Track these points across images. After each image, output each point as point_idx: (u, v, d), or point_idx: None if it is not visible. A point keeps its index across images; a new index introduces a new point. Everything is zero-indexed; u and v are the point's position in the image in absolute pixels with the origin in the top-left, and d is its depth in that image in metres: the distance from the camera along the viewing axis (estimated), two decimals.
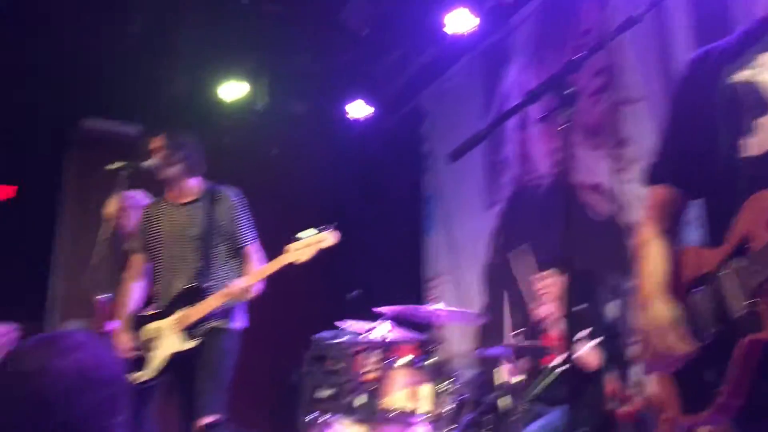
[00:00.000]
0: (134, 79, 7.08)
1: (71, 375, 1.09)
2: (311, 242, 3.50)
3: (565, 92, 1.54)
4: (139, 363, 3.52)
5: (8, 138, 7.08)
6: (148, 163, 3.63)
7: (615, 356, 4.28)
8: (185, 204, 3.70)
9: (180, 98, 7.38)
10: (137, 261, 3.79)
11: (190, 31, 6.55)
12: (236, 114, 7.60)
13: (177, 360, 3.55)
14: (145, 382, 3.49)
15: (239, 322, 3.68)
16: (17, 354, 1.14)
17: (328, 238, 3.47)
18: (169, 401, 3.68)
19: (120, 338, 3.59)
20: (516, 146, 5.69)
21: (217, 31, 6.62)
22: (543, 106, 1.68)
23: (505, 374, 3.84)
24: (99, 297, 3.93)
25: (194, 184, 3.73)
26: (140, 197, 4.17)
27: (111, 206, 4.12)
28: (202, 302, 3.52)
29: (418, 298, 6.61)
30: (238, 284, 3.49)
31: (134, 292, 3.75)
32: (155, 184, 3.83)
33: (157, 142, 3.69)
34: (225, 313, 3.58)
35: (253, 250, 3.70)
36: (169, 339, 3.56)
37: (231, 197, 3.73)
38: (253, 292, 3.56)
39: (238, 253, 3.69)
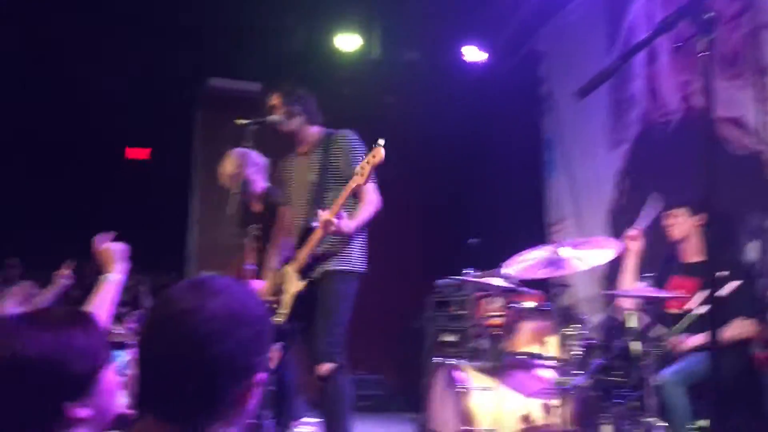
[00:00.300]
0: (253, 38, 7.27)
1: (221, 315, 1.16)
2: (367, 161, 3.44)
3: (704, 17, 1.44)
4: (276, 307, 3.71)
5: (140, 102, 7.52)
6: (271, 118, 3.77)
7: (756, 299, 4.06)
8: (307, 153, 3.84)
9: (297, 53, 7.52)
10: (282, 213, 4.00)
11: None
12: (352, 65, 7.66)
13: (300, 303, 3.71)
14: (281, 325, 3.66)
15: (355, 265, 3.72)
16: (170, 296, 1.21)
17: (377, 153, 3.40)
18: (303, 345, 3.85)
19: (259, 282, 3.81)
20: (644, 82, 5.38)
21: None
22: (677, 35, 1.56)
23: (636, 318, 3.73)
24: (246, 266, 4.11)
25: (314, 133, 3.85)
26: (254, 155, 4.31)
27: (227, 165, 4.31)
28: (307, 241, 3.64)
29: (541, 243, 6.50)
30: (321, 217, 3.50)
31: (281, 241, 3.98)
32: (280, 139, 3.97)
33: (275, 99, 3.82)
34: (339, 255, 3.67)
35: (366, 190, 3.65)
36: (291, 281, 3.74)
37: (345, 138, 3.77)
38: (340, 227, 3.50)
39: (355, 195, 3.66)
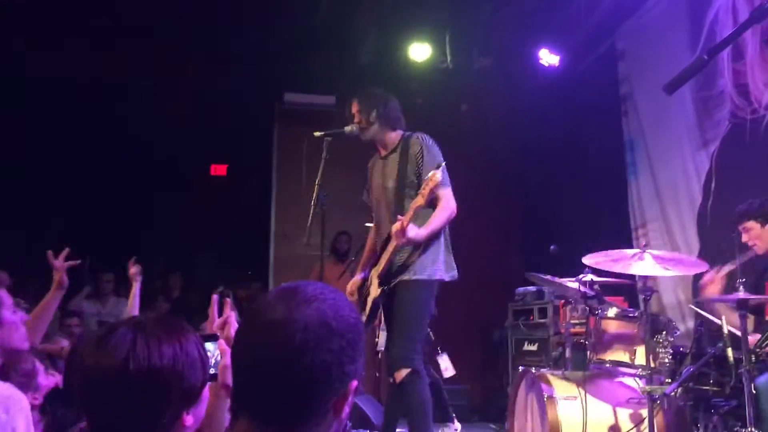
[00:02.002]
0: (326, 52, 7.40)
1: (314, 323, 1.16)
2: (426, 184, 3.40)
3: None
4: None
5: (222, 119, 7.77)
6: (348, 128, 3.81)
7: None
8: (386, 157, 3.84)
9: (370, 65, 7.60)
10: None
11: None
12: (425, 74, 7.68)
13: (379, 308, 3.72)
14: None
15: (431, 274, 3.65)
16: (262, 305, 1.23)
17: (433, 178, 3.36)
18: None
19: (357, 285, 3.86)
20: (731, 79, 5.16)
21: None
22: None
23: (731, 324, 3.56)
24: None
25: (394, 137, 3.84)
26: None
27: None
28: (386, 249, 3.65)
29: (627, 247, 6.31)
30: (393, 227, 3.48)
31: (371, 244, 4.06)
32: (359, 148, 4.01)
33: (353, 107, 3.84)
34: (415, 264, 3.64)
35: (441, 196, 3.59)
36: (373, 285, 3.76)
37: (419, 142, 3.71)
38: (409, 237, 3.46)
39: (432, 200, 3.60)
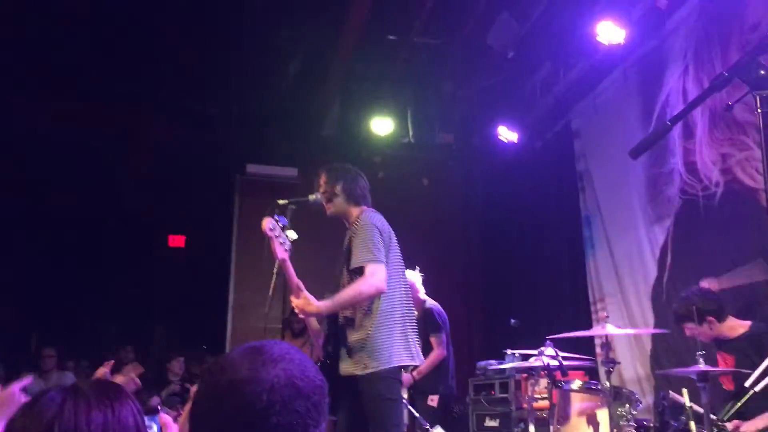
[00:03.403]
0: (289, 124, 7.49)
1: (281, 384, 1.13)
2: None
3: (759, 74, 1.43)
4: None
5: (181, 189, 7.71)
6: (312, 197, 3.78)
7: None
8: (347, 230, 3.80)
9: (332, 138, 7.71)
10: None
11: (339, 70, 6.83)
12: (386, 148, 7.80)
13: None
14: None
15: (381, 363, 3.45)
16: (225, 363, 1.18)
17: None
18: None
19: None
20: (681, 156, 5.37)
21: (364, 69, 6.87)
22: (719, 103, 1.55)
23: (693, 397, 3.58)
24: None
25: (355, 213, 3.74)
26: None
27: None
28: None
29: (584, 321, 6.36)
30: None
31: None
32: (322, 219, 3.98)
33: (321, 178, 3.84)
34: (362, 353, 3.48)
35: (366, 271, 3.43)
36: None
37: (359, 221, 3.61)
38: (312, 311, 3.41)
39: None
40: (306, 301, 3.43)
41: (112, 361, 3.72)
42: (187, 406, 4.22)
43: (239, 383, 1.13)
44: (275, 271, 3.79)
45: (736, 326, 3.97)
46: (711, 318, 3.94)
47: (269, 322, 4.77)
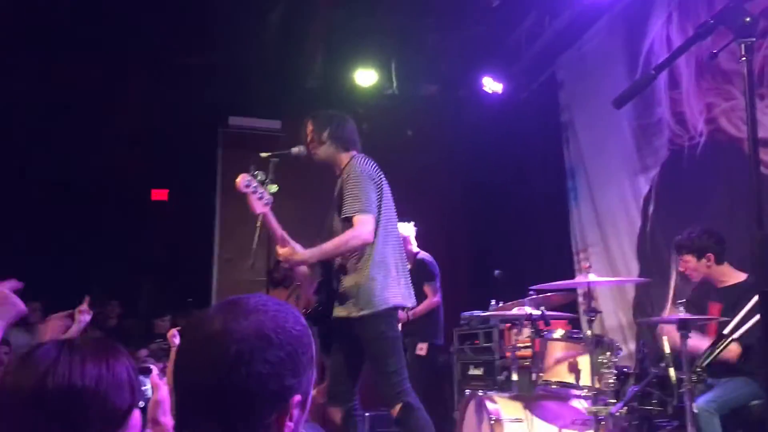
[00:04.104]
0: (272, 76, 7.37)
1: (251, 335, 1.13)
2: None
3: (743, 21, 1.41)
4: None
5: (164, 142, 7.61)
6: (296, 149, 3.74)
7: None
8: (337, 179, 3.75)
9: (316, 90, 7.61)
10: None
11: (322, 20, 6.70)
12: (371, 100, 7.73)
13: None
14: None
15: (377, 304, 3.52)
16: (202, 318, 1.19)
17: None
18: None
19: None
20: (667, 107, 5.36)
21: (348, 18, 6.74)
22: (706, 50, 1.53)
23: (672, 344, 3.65)
24: None
25: (344, 159, 3.71)
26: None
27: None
28: None
29: (568, 271, 6.44)
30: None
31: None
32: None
33: (308, 126, 3.80)
34: (357, 295, 3.53)
35: (354, 222, 3.45)
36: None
37: (350, 168, 3.60)
38: (298, 259, 3.45)
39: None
40: (291, 250, 3.46)
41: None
42: (172, 357, 4.25)
43: (212, 336, 1.14)
44: (258, 224, 3.78)
45: (731, 274, 4.03)
46: (710, 255, 4.00)
47: (255, 275, 4.78)
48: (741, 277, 4.00)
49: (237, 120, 7.91)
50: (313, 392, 1.23)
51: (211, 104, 7.53)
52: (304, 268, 3.68)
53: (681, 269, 4.13)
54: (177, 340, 4.25)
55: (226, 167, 7.94)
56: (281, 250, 3.47)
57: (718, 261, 4.03)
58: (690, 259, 4.06)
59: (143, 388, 1.56)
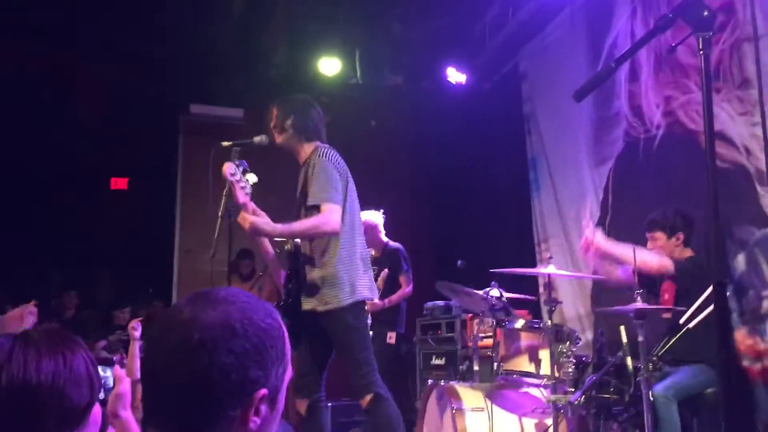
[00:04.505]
0: (234, 64, 7.28)
1: (216, 324, 1.12)
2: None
3: (702, 15, 1.43)
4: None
5: (124, 129, 7.47)
6: (258, 138, 3.70)
7: (745, 311, 4.06)
8: (301, 167, 3.73)
9: (279, 79, 7.54)
10: None
11: (286, 8, 6.63)
12: (335, 89, 7.68)
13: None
14: None
15: (343, 299, 3.55)
16: (172, 309, 1.18)
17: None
18: None
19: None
20: (625, 99, 5.43)
21: (312, 7, 6.68)
22: (664, 44, 1.55)
23: (629, 333, 3.71)
24: None
25: (307, 149, 3.69)
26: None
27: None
28: None
29: (529, 262, 6.51)
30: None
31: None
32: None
33: (272, 112, 3.76)
34: (324, 291, 3.55)
35: (322, 210, 3.45)
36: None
37: (315, 157, 3.58)
38: (259, 226, 3.40)
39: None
40: (263, 220, 3.43)
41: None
42: (131, 350, 4.19)
43: (178, 325, 1.13)
44: (221, 213, 3.74)
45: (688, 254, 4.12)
46: (680, 235, 4.05)
47: (216, 266, 4.69)
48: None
49: (198, 108, 7.79)
50: None
51: (172, 92, 7.41)
52: (272, 252, 3.66)
53: (649, 247, 4.15)
54: (138, 333, 4.20)
55: (187, 156, 7.83)
56: (251, 217, 3.41)
57: (686, 243, 4.08)
58: (660, 236, 4.09)
59: (104, 378, 1.53)
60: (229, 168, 3.38)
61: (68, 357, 1.30)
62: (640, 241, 4.11)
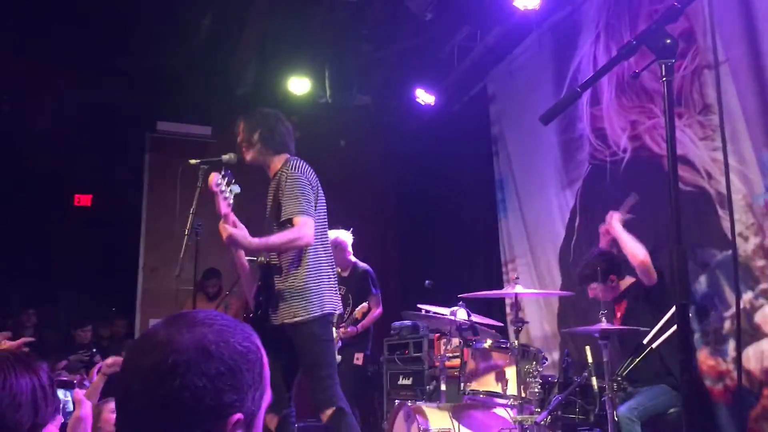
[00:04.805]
0: (202, 82, 7.24)
1: (191, 346, 1.10)
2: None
3: (665, 43, 1.47)
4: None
5: (88, 145, 7.35)
6: (226, 157, 3.68)
7: (707, 332, 4.14)
8: (271, 181, 3.71)
9: (248, 97, 7.51)
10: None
11: (255, 26, 6.64)
12: (304, 108, 7.69)
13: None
14: None
15: (311, 311, 3.55)
16: (148, 332, 1.16)
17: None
18: None
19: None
20: (589, 122, 5.53)
21: (281, 26, 6.69)
22: (627, 70, 1.59)
23: (595, 353, 3.75)
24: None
25: (276, 162, 3.68)
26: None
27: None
28: None
29: (496, 282, 6.55)
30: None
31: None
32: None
33: (240, 126, 3.74)
34: (292, 303, 3.54)
35: (295, 223, 3.45)
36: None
37: (287, 170, 3.57)
38: (236, 237, 3.36)
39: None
40: (242, 233, 3.41)
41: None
42: (94, 375, 4.07)
43: (152, 348, 1.10)
44: (187, 232, 3.71)
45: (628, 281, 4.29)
46: (612, 276, 4.24)
47: (181, 284, 4.65)
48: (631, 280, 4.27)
49: (166, 125, 7.73)
50: None
51: (138, 108, 7.34)
52: (248, 266, 3.64)
53: (591, 296, 4.33)
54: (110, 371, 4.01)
55: (153, 173, 7.75)
56: (230, 229, 3.38)
57: (620, 278, 4.29)
58: (596, 286, 4.27)
59: (64, 402, 1.49)
60: (215, 178, 3.37)
61: (8, 378, 1.27)
62: None
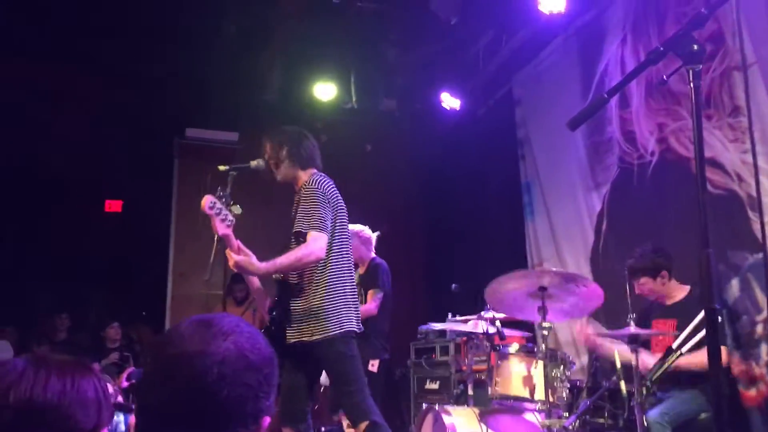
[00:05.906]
0: (230, 88, 7.32)
1: (232, 356, 1.12)
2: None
3: (692, 49, 1.47)
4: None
5: (119, 152, 7.47)
6: (255, 163, 3.71)
7: (739, 336, 4.09)
8: (295, 195, 3.72)
9: (274, 103, 7.58)
10: None
11: (281, 33, 6.70)
12: (329, 114, 7.73)
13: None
14: None
15: (332, 330, 3.51)
16: (176, 336, 1.16)
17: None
18: None
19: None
20: (619, 125, 5.50)
21: (307, 32, 6.75)
22: (656, 74, 1.59)
23: (624, 358, 3.72)
24: None
25: (303, 177, 3.68)
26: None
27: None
28: None
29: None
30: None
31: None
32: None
33: (266, 144, 3.77)
34: (313, 322, 3.51)
35: (307, 238, 3.44)
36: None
37: (306, 186, 3.57)
38: (244, 265, 3.37)
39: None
40: (247, 259, 3.41)
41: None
42: (123, 381, 4.13)
43: (190, 356, 1.11)
44: (216, 237, 3.74)
45: (678, 288, 4.15)
46: (665, 273, 4.10)
47: (210, 289, 4.71)
48: (686, 289, 4.11)
49: (194, 131, 7.82)
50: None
51: (168, 115, 7.45)
52: (258, 283, 3.65)
53: (638, 292, 4.20)
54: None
55: (182, 179, 7.85)
56: (237, 257, 3.40)
57: (671, 277, 4.14)
58: (646, 281, 4.14)
59: (116, 423, 1.53)
60: (207, 201, 3.35)
61: (77, 379, 1.32)
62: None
